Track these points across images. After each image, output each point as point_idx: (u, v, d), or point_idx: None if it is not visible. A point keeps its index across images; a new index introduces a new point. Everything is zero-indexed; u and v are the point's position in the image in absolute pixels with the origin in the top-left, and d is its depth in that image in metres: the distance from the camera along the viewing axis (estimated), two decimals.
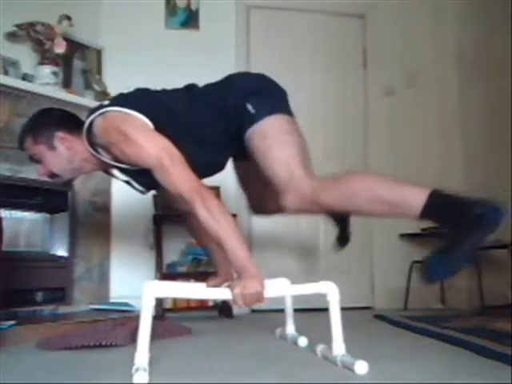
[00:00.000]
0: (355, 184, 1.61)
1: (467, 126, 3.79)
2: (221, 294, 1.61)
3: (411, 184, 1.53)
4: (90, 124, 1.77)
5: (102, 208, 3.32)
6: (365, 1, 4.06)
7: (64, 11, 3.16)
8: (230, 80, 1.89)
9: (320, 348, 1.78)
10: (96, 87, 3.35)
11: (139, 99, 1.78)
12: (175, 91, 1.88)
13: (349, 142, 4.01)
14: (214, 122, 1.79)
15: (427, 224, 3.78)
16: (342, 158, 3.99)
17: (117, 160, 1.76)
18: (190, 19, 3.78)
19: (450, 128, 3.96)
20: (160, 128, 1.70)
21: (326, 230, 3.86)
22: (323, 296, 1.70)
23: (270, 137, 1.70)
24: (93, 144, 1.80)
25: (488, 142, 3.55)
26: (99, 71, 3.50)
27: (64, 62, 3.21)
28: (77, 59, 3.39)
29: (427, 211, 1.44)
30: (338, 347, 1.64)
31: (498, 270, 3.30)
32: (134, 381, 1.38)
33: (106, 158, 1.80)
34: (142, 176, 1.77)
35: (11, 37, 3.00)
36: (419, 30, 4.13)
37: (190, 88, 1.89)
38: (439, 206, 1.44)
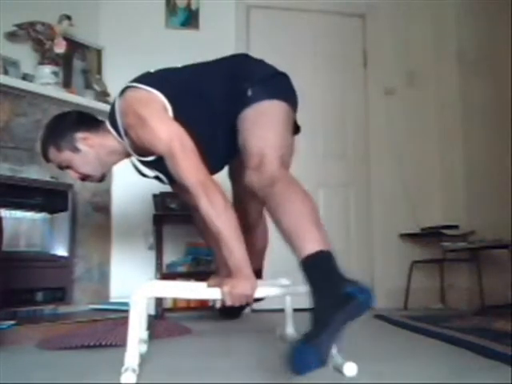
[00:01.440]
0: (294, 198, 1.50)
1: (467, 126, 3.79)
2: (210, 293, 1.61)
3: (319, 230, 1.44)
4: (114, 109, 1.78)
5: (102, 208, 3.32)
6: (365, 1, 4.06)
7: (64, 11, 3.16)
8: (242, 64, 1.86)
9: None
10: (96, 87, 3.35)
11: (162, 78, 1.78)
12: (201, 69, 1.85)
13: (349, 141, 4.01)
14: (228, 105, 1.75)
15: (427, 224, 3.81)
16: (342, 157, 3.99)
17: (136, 149, 1.77)
18: (190, 19, 3.78)
19: (450, 128, 3.96)
20: (178, 109, 1.69)
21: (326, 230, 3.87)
22: None
23: (264, 116, 1.67)
24: (117, 130, 1.80)
25: (488, 142, 3.55)
26: (99, 71, 3.50)
27: (64, 62, 3.21)
28: (77, 59, 3.39)
29: (307, 262, 1.37)
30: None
31: (498, 270, 3.30)
32: (122, 381, 1.38)
33: (129, 147, 1.80)
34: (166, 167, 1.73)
35: (11, 37, 3.00)
36: (419, 30, 4.13)
37: (216, 65, 1.86)
38: (319, 266, 1.36)
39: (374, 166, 3.97)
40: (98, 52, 3.53)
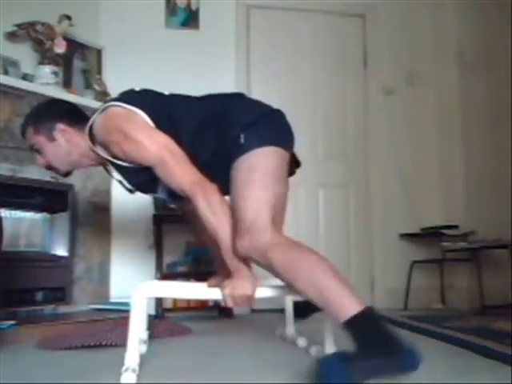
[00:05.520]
0: (305, 260, 1.46)
1: (467, 126, 3.79)
2: (211, 293, 1.61)
3: (352, 291, 1.38)
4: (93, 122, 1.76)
5: (102, 208, 3.32)
6: (365, 1, 4.06)
7: (64, 11, 3.16)
8: (232, 104, 1.77)
9: (314, 349, 1.78)
10: (96, 87, 3.35)
11: (145, 99, 1.75)
12: (187, 100, 1.80)
13: (349, 140, 4.01)
14: (212, 143, 1.71)
15: (427, 224, 3.81)
16: (343, 157, 3.99)
17: (115, 157, 1.74)
18: (190, 19, 3.78)
19: (450, 128, 3.96)
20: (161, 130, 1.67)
21: (325, 229, 3.87)
22: None
23: (255, 172, 1.60)
24: (93, 141, 1.79)
25: (488, 142, 3.55)
26: (99, 71, 3.50)
27: (64, 62, 3.21)
28: (77, 59, 3.39)
29: (352, 323, 1.33)
30: (331, 349, 1.64)
31: (498, 270, 3.30)
32: (122, 381, 1.38)
33: (104, 154, 1.78)
34: (135, 175, 1.76)
35: (11, 37, 3.00)
36: (419, 30, 4.13)
37: (205, 101, 1.80)
38: (365, 325, 1.35)
39: (374, 166, 3.97)
40: (98, 52, 3.53)
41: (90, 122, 1.77)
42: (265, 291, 1.61)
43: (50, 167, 1.87)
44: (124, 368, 1.41)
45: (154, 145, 1.61)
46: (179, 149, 1.62)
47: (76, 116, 1.86)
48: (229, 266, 1.55)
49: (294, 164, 1.81)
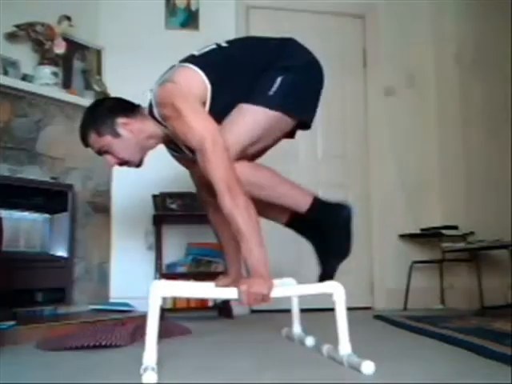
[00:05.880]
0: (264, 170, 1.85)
1: (467, 126, 3.79)
2: (227, 293, 1.61)
3: (300, 187, 1.93)
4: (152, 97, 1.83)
5: (102, 208, 3.32)
6: (365, 1, 4.06)
7: (64, 11, 3.16)
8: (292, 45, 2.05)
9: (326, 348, 1.78)
10: (96, 87, 3.35)
11: (206, 60, 1.92)
12: (246, 46, 2.05)
13: (349, 141, 4.01)
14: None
15: (427, 224, 3.81)
16: (343, 158, 3.99)
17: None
18: (190, 19, 3.78)
19: (449, 128, 3.96)
20: (218, 86, 1.79)
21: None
22: (328, 296, 1.71)
23: (252, 122, 1.78)
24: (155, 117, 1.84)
25: (488, 143, 3.55)
26: (99, 71, 3.50)
27: (64, 63, 3.21)
28: (77, 59, 3.39)
29: (313, 210, 1.88)
30: (345, 347, 1.64)
31: (498, 271, 3.30)
32: (144, 381, 1.36)
33: (167, 131, 1.84)
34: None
35: (11, 37, 3.00)
36: (419, 30, 4.13)
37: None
38: (320, 207, 1.91)
39: (374, 166, 3.97)
40: (98, 52, 3.53)
41: (151, 97, 1.84)
42: (279, 291, 1.62)
43: (122, 163, 1.90)
44: (143, 367, 1.39)
45: (200, 130, 1.66)
46: (222, 140, 1.66)
47: (125, 105, 1.91)
48: (248, 265, 1.56)
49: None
